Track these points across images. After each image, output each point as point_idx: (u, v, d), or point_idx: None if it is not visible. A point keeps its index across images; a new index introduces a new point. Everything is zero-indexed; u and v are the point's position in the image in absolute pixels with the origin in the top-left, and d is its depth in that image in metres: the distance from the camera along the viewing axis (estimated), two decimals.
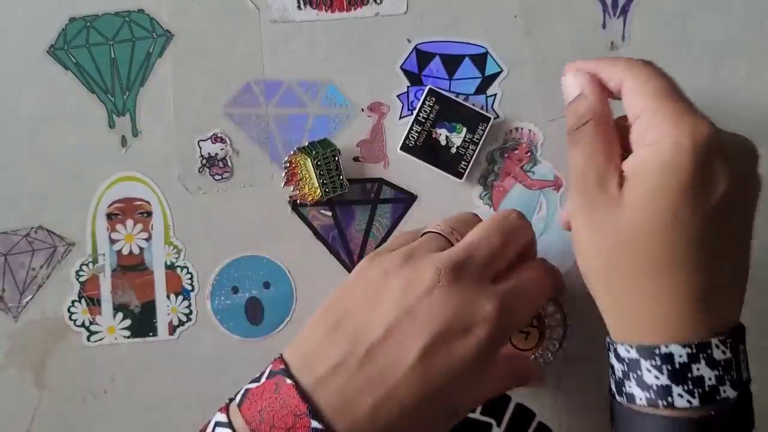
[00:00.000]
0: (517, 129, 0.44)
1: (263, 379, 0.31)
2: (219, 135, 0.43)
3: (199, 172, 0.44)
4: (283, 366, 0.30)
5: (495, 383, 0.34)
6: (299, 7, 0.43)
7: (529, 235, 0.35)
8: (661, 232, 0.28)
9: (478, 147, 0.43)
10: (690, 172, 0.27)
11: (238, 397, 0.31)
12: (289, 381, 0.29)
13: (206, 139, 0.43)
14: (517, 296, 0.32)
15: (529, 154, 0.44)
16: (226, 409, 0.31)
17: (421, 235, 0.36)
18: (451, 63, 0.43)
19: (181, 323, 0.44)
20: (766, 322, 0.42)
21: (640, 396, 0.29)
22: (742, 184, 0.29)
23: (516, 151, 0.44)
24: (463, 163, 0.43)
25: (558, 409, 0.44)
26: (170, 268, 0.44)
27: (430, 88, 0.43)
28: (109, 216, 0.44)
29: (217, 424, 0.30)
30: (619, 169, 0.30)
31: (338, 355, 0.30)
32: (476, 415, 0.44)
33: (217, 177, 0.43)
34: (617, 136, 0.32)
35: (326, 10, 0.43)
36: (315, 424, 0.28)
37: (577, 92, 0.33)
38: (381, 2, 0.43)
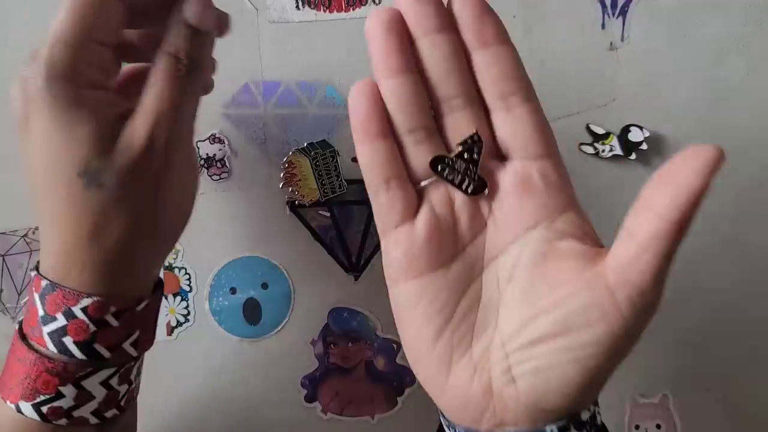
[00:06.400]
0: None
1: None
2: (217, 135, 0.43)
3: None
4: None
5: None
6: (298, 7, 0.43)
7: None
8: None
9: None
10: None
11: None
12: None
13: (204, 140, 0.43)
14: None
15: None
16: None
17: None
18: None
19: (180, 324, 0.44)
20: (766, 323, 0.42)
21: None
22: None
23: None
24: None
25: None
26: (168, 269, 0.44)
27: None
28: None
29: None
30: None
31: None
32: None
33: (215, 178, 0.43)
34: None
35: (325, 11, 0.43)
36: (44, 283, 0.29)
37: None
38: (380, 2, 0.43)
